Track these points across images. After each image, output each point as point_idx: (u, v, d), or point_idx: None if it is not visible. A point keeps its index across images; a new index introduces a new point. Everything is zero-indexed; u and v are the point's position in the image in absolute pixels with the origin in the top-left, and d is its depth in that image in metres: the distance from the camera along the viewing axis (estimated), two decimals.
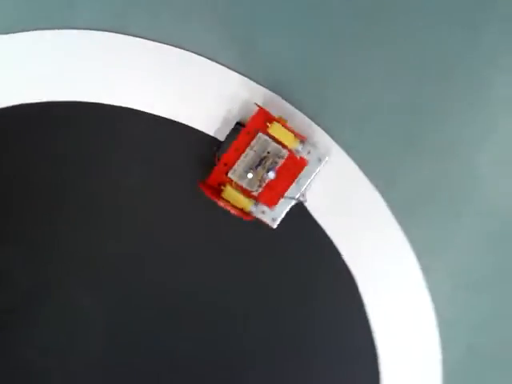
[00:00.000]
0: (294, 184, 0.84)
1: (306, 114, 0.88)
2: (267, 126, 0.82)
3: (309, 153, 0.83)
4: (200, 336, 0.95)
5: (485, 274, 0.89)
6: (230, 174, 0.83)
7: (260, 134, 0.83)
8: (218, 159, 0.85)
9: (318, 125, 0.88)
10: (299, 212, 0.89)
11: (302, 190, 0.84)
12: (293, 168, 0.83)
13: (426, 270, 0.90)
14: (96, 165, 0.94)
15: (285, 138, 0.82)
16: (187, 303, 0.94)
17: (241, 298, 0.94)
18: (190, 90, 0.92)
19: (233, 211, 0.83)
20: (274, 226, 0.84)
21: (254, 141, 0.83)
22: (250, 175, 0.83)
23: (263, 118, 0.82)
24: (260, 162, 0.83)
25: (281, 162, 0.83)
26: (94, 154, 0.93)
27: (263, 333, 0.94)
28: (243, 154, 0.83)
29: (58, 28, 0.93)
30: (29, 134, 0.94)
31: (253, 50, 0.90)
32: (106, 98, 0.93)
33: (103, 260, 0.95)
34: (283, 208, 0.84)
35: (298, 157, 0.83)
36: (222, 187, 0.83)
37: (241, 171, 0.84)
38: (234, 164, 0.84)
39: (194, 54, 0.92)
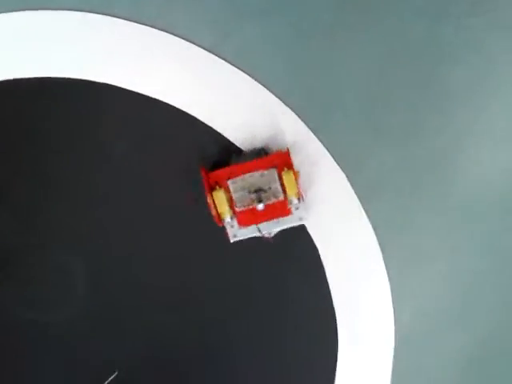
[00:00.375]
0: (269, 221, 0.93)
1: (275, 94, 0.97)
2: (283, 170, 0.91)
3: (297, 209, 0.93)
4: (173, 301, 1.04)
5: (435, 249, 1.01)
6: (229, 182, 0.91)
7: (274, 171, 0.91)
8: (229, 164, 0.93)
9: (291, 109, 0.97)
10: None
11: (272, 230, 0.94)
12: (278, 211, 0.93)
13: (382, 244, 1.00)
14: (84, 137, 1.00)
15: (289, 188, 0.91)
16: (166, 277, 1.03)
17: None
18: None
19: (212, 211, 0.91)
20: (231, 241, 0.94)
21: (266, 172, 0.92)
22: (243, 193, 0.92)
23: (285, 161, 0.92)
24: (258, 190, 0.92)
25: (273, 200, 0.92)
26: (80, 126, 0.99)
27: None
28: (250, 175, 0.92)
29: (46, 9, 0.97)
30: (16, 107, 0.99)
31: (232, 33, 0.96)
32: (90, 75, 0.99)
33: (88, 225, 1.01)
34: (248, 233, 0.94)
35: (288, 206, 0.92)
36: (217, 187, 0.91)
37: (239, 186, 0.92)
38: (238, 176, 0.92)
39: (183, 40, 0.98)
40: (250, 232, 0.94)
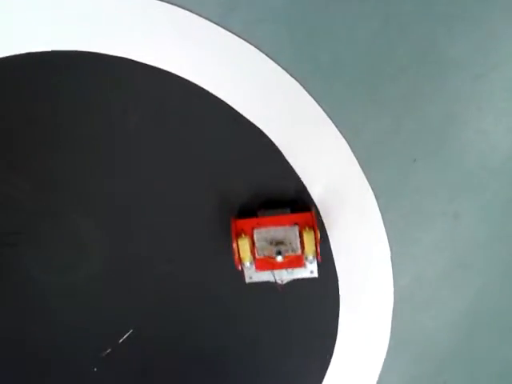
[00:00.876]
0: (283, 270, 1.02)
1: (279, 65, 1.02)
2: (305, 229, 0.98)
3: (310, 263, 1.01)
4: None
5: (433, 214, 1.07)
6: (255, 231, 0.99)
7: (296, 228, 0.99)
8: (257, 216, 1.00)
9: (296, 79, 1.02)
10: (273, 155, 1.04)
11: (284, 278, 1.03)
12: (293, 263, 1.01)
13: (383, 210, 1.07)
14: (98, 108, 1.04)
15: (308, 245, 0.99)
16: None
17: None
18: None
19: (234, 255, 0.99)
20: (246, 281, 1.02)
21: (290, 228, 0.99)
22: (265, 243, 0.99)
23: (308, 222, 0.99)
24: (279, 243, 1.00)
25: (291, 254, 1.00)
26: (94, 98, 1.03)
27: None
28: (274, 228, 0.99)
29: None
30: (30, 80, 1.03)
31: (238, 7, 1.00)
32: (102, 48, 1.03)
33: (102, 193, 1.07)
34: (263, 277, 1.03)
35: (303, 261, 1.00)
36: (243, 235, 0.98)
37: (263, 236, 0.99)
38: (263, 227, 0.99)
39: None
40: (264, 276, 1.02)
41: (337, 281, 1.08)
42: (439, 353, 1.13)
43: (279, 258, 0.99)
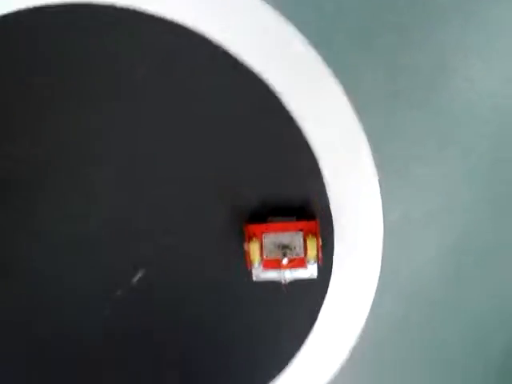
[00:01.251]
0: (287, 270, 1.12)
1: (283, 14, 1.05)
2: (308, 236, 1.09)
3: (312, 264, 1.11)
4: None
5: (425, 157, 1.13)
6: (264, 235, 1.09)
7: (300, 234, 1.09)
8: (266, 221, 1.10)
9: (297, 28, 1.06)
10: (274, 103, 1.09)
11: (287, 277, 1.13)
12: (296, 264, 1.11)
13: (374, 151, 1.10)
14: (106, 59, 1.06)
15: (310, 250, 1.09)
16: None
17: None
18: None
19: (246, 256, 1.09)
20: (253, 279, 1.13)
21: (295, 234, 1.09)
22: (273, 247, 1.09)
23: (312, 229, 1.09)
24: (284, 247, 1.09)
25: (295, 257, 1.10)
26: (101, 50, 1.06)
27: None
28: (282, 233, 1.09)
29: None
30: (37, 33, 1.05)
31: None
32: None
33: (111, 143, 1.11)
34: (268, 275, 1.12)
35: (305, 264, 1.10)
36: (254, 238, 1.09)
37: (271, 241, 1.09)
38: (272, 232, 1.09)
39: None
40: (269, 275, 1.12)
41: (331, 217, 1.14)
42: (427, 292, 1.21)
43: (285, 261, 1.09)
